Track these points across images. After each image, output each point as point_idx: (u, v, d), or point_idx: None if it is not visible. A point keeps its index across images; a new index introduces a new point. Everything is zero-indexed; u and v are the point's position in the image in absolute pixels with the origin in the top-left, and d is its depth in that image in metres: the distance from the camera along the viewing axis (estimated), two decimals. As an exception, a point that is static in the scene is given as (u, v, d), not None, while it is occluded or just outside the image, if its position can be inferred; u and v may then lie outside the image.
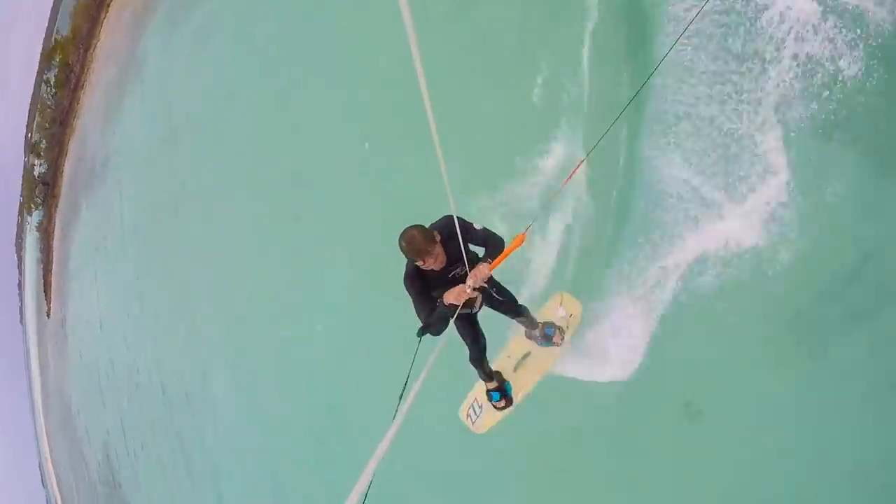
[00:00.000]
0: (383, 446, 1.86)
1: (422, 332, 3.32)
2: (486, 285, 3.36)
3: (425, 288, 3.33)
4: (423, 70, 1.75)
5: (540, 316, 4.95)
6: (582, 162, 3.13)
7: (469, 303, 3.29)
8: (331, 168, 9.50)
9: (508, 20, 7.14)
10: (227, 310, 12.20)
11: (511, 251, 3.23)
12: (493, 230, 3.42)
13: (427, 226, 3.20)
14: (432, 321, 3.27)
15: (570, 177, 3.17)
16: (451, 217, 3.13)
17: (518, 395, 4.80)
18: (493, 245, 3.35)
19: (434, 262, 3.10)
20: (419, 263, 3.11)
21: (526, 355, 5.06)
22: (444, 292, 3.25)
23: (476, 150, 6.59)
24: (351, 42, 9.51)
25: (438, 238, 3.12)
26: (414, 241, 3.01)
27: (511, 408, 4.76)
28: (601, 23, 6.08)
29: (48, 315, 33.46)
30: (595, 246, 5.66)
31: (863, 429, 4.05)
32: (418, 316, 3.35)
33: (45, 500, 42.57)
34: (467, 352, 4.23)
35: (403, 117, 6.49)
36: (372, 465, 1.72)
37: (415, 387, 2.48)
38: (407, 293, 3.35)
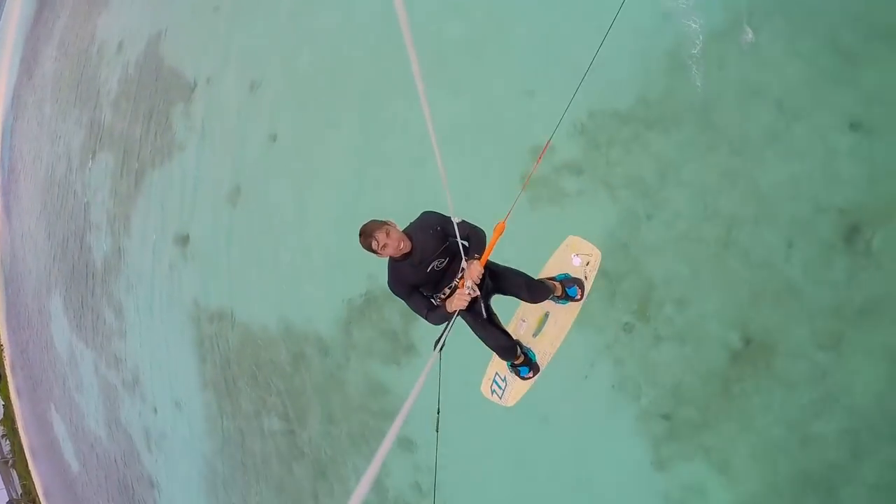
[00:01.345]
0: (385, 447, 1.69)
1: (437, 344, 3.24)
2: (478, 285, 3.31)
3: (412, 288, 3.35)
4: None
5: (548, 269, 4.46)
6: (549, 142, 3.08)
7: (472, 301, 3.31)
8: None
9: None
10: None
11: (496, 241, 3.17)
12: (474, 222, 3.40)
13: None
14: (435, 321, 3.29)
15: (540, 158, 3.07)
16: (427, 213, 3.36)
17: (543, 361, 4.38)
18: (477, 239, 3.33)
19: (390, 242, 3.11)
20: (376, 248, 3.11)
21: (544, 317, 4.50)
22: (444, 299, 3.34)
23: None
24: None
25: (391, 222, 3.18)
26: (366, 227, 3.10)
27: (539, 375, 4.40)
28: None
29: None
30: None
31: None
32: (419, 314, 3.40)
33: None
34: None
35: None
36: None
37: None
38: (398, 298, 3.42)
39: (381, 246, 3.10)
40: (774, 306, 5.22)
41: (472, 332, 3.79)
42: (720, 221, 5.65)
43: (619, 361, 6.04)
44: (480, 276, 3.20)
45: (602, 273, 6.40)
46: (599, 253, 4.37)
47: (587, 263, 4.33)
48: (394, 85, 8.20)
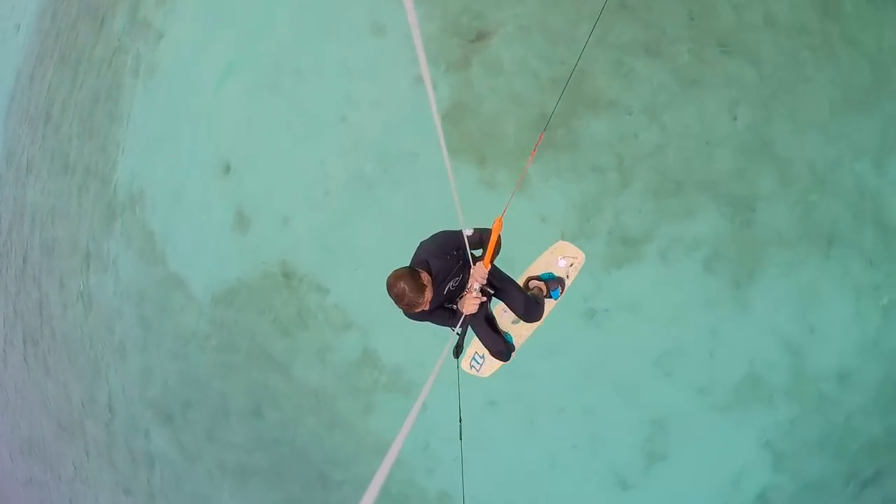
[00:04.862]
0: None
1: (457, 352, 3.33)
2: (486, 284, 3.36)
3: (432, 311, 3.26)
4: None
5: (534, 268, 4.70)
6: (542, 134, 3.06)
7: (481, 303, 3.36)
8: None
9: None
10: None
11: (495, 239, 3.08)
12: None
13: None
14: (459, 330, 3.27)
15: (535, 151, 3.01)
16: (443, 235, 3.21)
17: (518, 342, 4.73)
18: (488, 240, 3.21)
19: (427, 290, 2.99)
20: (424, 303, 3.04)
21: None
22: (456, 307, 3.31)
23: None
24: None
25: (424, 277, 3.01)
26: (403, 297, 2.92)
27: (514, 353, 4.66)
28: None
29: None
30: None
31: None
32: (445, 326, 3.37)
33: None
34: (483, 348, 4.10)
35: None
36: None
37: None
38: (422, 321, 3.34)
39: (426, 301, 3.02)
40: None
41: (472, 331, 3.89)
42: None
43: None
44: (485, 278, 3.21)
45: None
46: (584, 255, 4.68)
47: (571, 265, 4.64)
48: None
